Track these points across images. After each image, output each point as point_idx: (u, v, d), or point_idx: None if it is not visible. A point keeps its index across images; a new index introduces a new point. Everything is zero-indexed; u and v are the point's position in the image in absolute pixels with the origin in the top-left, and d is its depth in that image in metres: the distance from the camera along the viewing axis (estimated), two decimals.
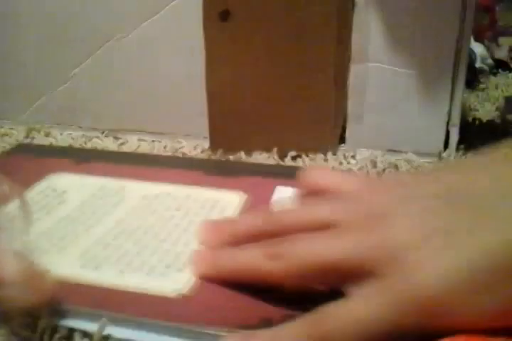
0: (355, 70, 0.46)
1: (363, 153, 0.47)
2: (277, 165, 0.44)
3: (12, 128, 0.54)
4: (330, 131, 0.48)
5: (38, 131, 0.53)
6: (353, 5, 0.44)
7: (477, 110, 0.60)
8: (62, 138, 0.52)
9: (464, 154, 0.46)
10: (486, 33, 0.76)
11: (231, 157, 0.46)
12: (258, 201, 0.35)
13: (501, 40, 0.79)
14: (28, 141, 0.51)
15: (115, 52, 0.50)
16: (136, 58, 0.50)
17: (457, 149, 0.46)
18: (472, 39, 0.68)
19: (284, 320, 0.24)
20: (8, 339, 0.24)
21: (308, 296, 0.25)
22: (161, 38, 0.49)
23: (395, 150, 0.47)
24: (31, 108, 0.54)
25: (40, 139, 0.51)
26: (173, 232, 0.32)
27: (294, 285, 0.26)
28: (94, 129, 0.53)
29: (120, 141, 0.51)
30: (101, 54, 0.51)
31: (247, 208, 0.35)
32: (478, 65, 0.73)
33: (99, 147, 0.49)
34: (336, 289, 0.24)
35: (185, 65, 0.49)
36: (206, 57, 0.46)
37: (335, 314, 0.23)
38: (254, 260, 0.26)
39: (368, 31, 0.45)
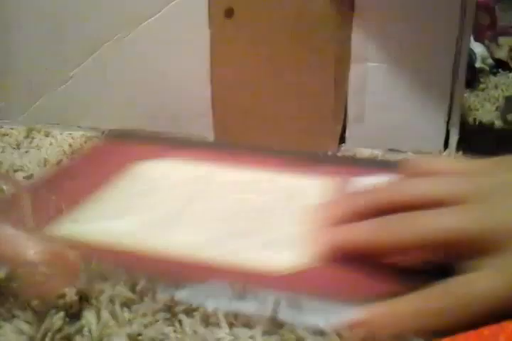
0: (355, 70, 0.46)
1: (363, 153, 0.47)
2: (359, 158, 0.46)
3: (12, 128, 0.54)
4: (330, 130, 0.48)
5: (38, 131, 0.53)
6: (353, 5, 0.44)
7: (477, 110, 0.60)
8: (62, 138, 0.52)
9: (464, 154, 0.46)
10: (486, 33, 0.76)
11: None
12: (345, 188, 0.36)
13: (501, 40, 0.79)
14: (28, 140, 0.51)
15: (115, 52, 0.50)
16: (136, 58, 0.50)
17: (457, 149, 0.46)
18: (472, 39, 0.68)
19: (406, 292, 0.25)
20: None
21: (423, 270, 0.27)
22: (161, 37, 0.49)
23: (395, 150, 0.47)
24: (31, 108, 0.54)
25: (40, 139, 0.51)
26: (276, 213, 0.34)
27: (415, 257, 0.27)
28: (94, 129, 0.53)
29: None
30: (101, 54, 0.51)
31: (337, 193, 0.36)
32: (478, 65, 0.72)
33: None
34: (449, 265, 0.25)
35: (185, 64, 0.49)
36: (211, 53, 0.47)
37: (463, 286, 0.24)
38: (380, 232, 0.27)
39: (368, 31, 0.45)
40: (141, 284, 0.27)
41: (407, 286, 0.25)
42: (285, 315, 0.25)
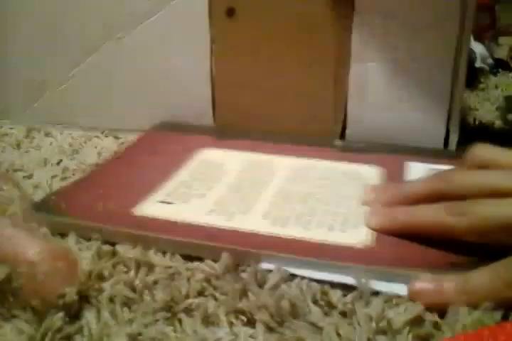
0: (355, 70, 0.46)
1: None
2: (404, 145, 0.46)
3: (12, 128, 0.54)
4: (330, 130, 0.48)
5: (38, 131, 0.53)
6: (353, 5, 0.44)
7: (477, 110, 0.59)
8: (63, 138, 0.52)
9: (464, 154, 0.46)
10: (486, 33, 0.76)
11: None
12: (394, 174, 0.40)
13: (501, 40, 0.79)
14: (28, 140, 0.51)
15: (115, 52, 0.50)
16: (136, 58, 0.50)
17: (457, 149, 0.46)
18: (472, 39, 0.68)
19: (464, 267, 0.27)
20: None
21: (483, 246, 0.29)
22: (161, 37, 0.49)
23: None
24: (31, 108, 0.54)
25: (40, 139, 0.51)
26: (332, 196, 0.37)
27: (470, 240, 0.29)
28: (94, 129, 0.53)
29: (120, 140, 0.51)
30: (101, 54, 0.51)
31: (387, 179, 0.39)
32: (478, 64, 0.72)
33: (99, 147, 0.49)
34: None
35: (185, 64, 0.49)
36: (211, 53, 0.47)
37: None
38: (437, 216, 0.30)
39: (368, 31, 0.45)
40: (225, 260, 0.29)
41: (462, 261, 0.29)
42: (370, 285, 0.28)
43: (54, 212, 0.34)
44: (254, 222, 0.33)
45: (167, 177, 0.39)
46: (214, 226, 0.33)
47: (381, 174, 0.40)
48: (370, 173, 0.40)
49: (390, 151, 0.44)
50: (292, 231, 0.32)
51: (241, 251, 0.30)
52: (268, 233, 0.32)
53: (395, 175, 0.40)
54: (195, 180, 0.39)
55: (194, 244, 0.31)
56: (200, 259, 0.31)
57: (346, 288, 0.28)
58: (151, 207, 0.35)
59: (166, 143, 0.46)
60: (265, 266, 0.29)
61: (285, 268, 0.29)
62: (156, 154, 0.44)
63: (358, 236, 0.32)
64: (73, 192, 0.38)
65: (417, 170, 0.40)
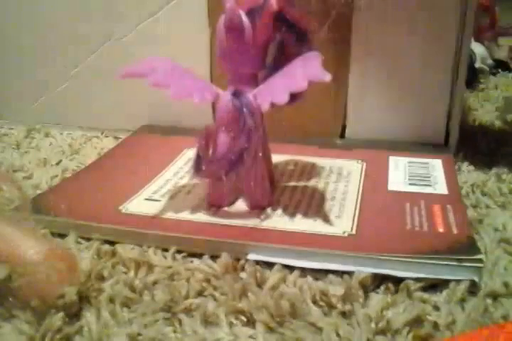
0: (355, 69, 0.46)
1: None
2: (387, 140, 0.47)
3: (12, 128, 0.54)
4: (330, 130, 0.48)
5: (38, 131, 0.53)
6: (353, 4, 0.44)
7: (477, 110, 0.60)
8: (62, 138, 0.52)
9: (463, 154, 0.46)
10: (486, 33, 0.76)
11: None
12: (376, 168, 0.41)
13: (501, 40, 0.79)
14: (28, 141, 0.51)
15: (115, 52, 0.50)
16: (136, 58, 0.50)
17: (457, 149, 0.46)
18: (472, 39, 0.68)
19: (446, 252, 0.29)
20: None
21: None
22: (161, 37, 0.49)
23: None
24: (31, 108, 0.54)
25: (40, 139, 0.51)
26: (316, 190, 0.38)
27: None
28: (94, 129, 0.53)
29: (120, 140, 0.51)
30: (101, 54, 0.51)
31: (369, 173, 0.40)
32: (478, 65, 0.72)
33: (98, 147, 0.49)
34: None
35: (185, 64, 0.49)
36: (211, 53, 0.48)
37: None
38: None
39: (368, 31, 0.45)
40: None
41: None
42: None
43: (53, 212, 0.34)
44: (240, 215, 0.34)
45: (153, 176, 0.40)
46: (200, 220, 0.34)
47: (365, 168, 0.41)
48: (353, 167, 0.41)
49: (378, 147, 0.45)
50: (278, 223, 0.33)
51: (228, 242, 0.31)
52: (254, 225, 0.33)
53: (377, 169, 0.41)
54: (181, 178, 0.40)
55: (181, 238, 0.32)
56: (197, 257, 0.31)
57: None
58: (137, 205, 0.36)
59: (152, 144, 0.47)
60: (252, 256, 0.30)
61: (273, 258, 0.30)
62: (142, 155, 0.45)
63: (342, 225, 0.32)
64: (61, 191, 0.38)
65: (397, 164, 0.42)
